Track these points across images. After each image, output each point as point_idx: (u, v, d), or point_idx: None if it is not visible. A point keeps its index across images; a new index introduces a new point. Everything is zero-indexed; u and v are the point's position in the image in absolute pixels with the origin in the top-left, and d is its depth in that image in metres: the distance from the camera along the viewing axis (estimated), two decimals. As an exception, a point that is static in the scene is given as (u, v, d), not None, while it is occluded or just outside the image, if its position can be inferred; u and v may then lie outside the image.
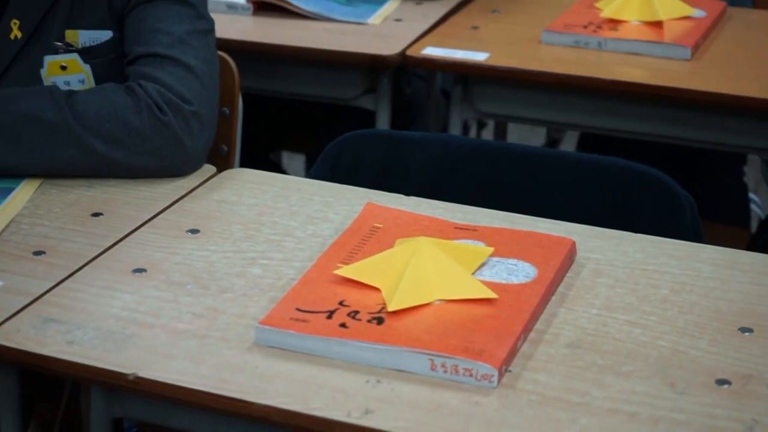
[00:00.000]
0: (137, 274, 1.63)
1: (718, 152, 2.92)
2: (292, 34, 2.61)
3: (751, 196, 3.14)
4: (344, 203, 1.82)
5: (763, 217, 3.15)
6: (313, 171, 1.97)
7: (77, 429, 1.85)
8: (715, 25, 2.63)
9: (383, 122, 2.63)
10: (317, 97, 2.70)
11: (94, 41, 1.98)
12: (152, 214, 1.79)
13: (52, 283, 1.61)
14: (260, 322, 1.48)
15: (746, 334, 1.51)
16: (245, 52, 2.44)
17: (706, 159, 2.97)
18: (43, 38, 1.98)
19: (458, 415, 1.36)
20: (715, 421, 1.35)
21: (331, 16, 2.68)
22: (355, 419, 1.35)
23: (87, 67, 1.98)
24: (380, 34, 2.61)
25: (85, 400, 1.79)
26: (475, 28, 2.64)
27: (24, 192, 1.84)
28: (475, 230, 1.69)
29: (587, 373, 1.42)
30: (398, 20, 2.68)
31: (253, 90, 2.60)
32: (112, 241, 1.71)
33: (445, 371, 1.40)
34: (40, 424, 1.82)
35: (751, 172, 3.21)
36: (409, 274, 1.52)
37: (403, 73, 2.87)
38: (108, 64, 1.99)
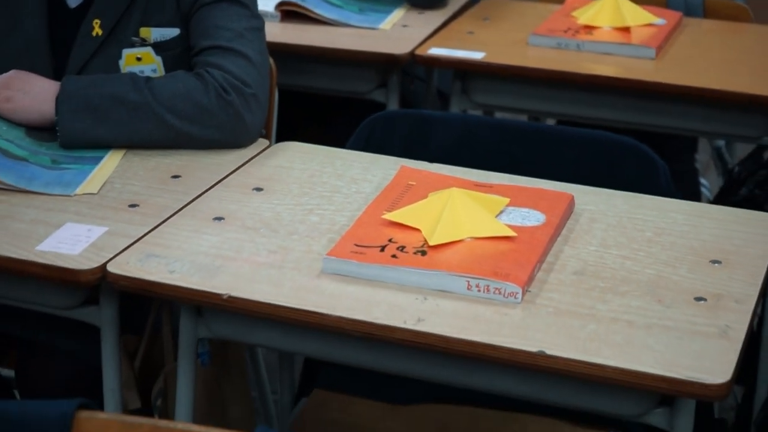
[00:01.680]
0: (217, 221, 1.82)
1: (673, 139, 3.12)
2: (314, 37, 2.79)
3: (701, 180, 3.34)
4: (379, 168, 2.00)
5: (711, 198, 3.34)
6: (350, 144, 2.14)
7: (157, 357, 2.02)
8: (674, 31, 2.83)
9: (392, 113, 2.80)
10: (336, 91, 2.87)
11: (164, 37, 2.15)
12: (222, 176, 1.97)
13: (149, 228, 1.79)
14: (327, 254, 1.67)
15: (716, 264, 1.71)
16: (274, 52, 2.58)
17: (663, 146, 3.15)
18: (120, 35, 2.14)
19: (491, 323, 1.55)
20: (696, 326, 1.55)
21: (348, 22, 2.85)
22: (410, 325, 1.54)
23: (158, 59, 2.15)
24: (391, 37, 2.79)
25: (167, 328, 1.97)
26: (471, 32, 2.83)
27: (112, 159, 2.02)
28: (491, 187, 1.88)
29: (592, 293, 1.62)
30: (405, 26, 2.87)
31: (282, 85, 2.76)
32: (192, 197, 1.89)
33: (479, 290, 1.60)
34: (126, 353, 1.98)
35: (701, 158, 3.40)
36: (445, 216, 1.71)
37: (405, 75, 3.05)
38: (176, 56, 2.15)
